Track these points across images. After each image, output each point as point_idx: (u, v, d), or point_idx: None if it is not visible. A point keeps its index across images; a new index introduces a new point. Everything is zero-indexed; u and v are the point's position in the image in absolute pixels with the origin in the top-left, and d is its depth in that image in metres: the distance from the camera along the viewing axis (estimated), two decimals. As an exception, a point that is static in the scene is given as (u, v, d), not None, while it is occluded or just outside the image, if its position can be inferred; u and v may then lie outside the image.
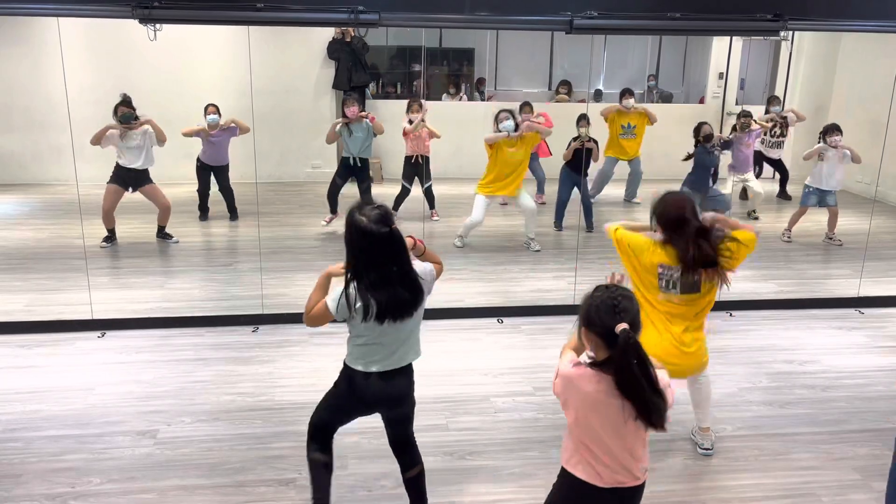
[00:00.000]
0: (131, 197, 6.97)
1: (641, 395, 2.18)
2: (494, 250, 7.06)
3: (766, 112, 8.94)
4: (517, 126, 6.76)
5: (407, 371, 2.91)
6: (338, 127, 7.23)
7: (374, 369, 2.79)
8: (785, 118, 8.90)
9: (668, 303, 3.35)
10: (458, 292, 5.82)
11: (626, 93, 8.74)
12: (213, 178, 7.81)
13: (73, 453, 3.61)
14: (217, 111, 7.52)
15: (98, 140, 6.52)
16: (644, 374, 2.18)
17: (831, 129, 7.24)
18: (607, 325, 2.20)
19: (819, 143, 7.37)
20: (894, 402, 4.27)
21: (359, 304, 2.63)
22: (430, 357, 4.73)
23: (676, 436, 3.83)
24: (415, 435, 3.09)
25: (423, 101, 7.89)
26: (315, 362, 4.62)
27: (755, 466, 3.61)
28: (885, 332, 5.32)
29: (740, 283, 6.03)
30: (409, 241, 2.80)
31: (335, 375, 4.36)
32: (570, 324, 4.43)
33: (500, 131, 6.71)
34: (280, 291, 5.73)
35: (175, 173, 9.12)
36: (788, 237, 7.53)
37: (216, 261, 6.80)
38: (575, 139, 7.49)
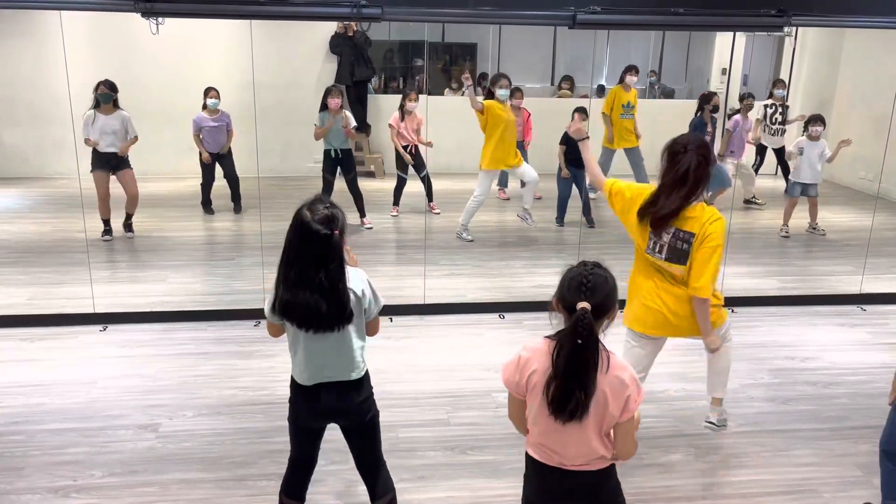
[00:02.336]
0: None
1: (564, 376, 2.12)
2: (496, 246, 7.06)
3: (770, 96, 8.86)
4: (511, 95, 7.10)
5: (345, 387, 2.64)
6: (319, 122, 7.25)
7: (306, 382, 2.61)
8: (786, 106, 8.83)
9: (655, 262, 3.24)
10: (460, 287, 5.83)
11: (630, 69, 8.56)
12: (217, 170, 7.84)
13: (75, 446, 3.62)
14: (218, 95, 7.56)
15: (87, 140, 6.61)
16: (579, 359, 2.11)
17: (814, 119, 7.31)
18: (571, 301, 2.17)
19: (802, 135, 7.44)
20: (896, 398, 4.27)
21: (276, 302, 2.51)
22: (432, 352, 4.75)
23: (677, 432, 3.83)
24: (384, 457, 2.86)
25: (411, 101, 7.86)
26: (317, 357, 4.62)
27: (756, 462, 3.61)
28: (888, 328, 5.32)
29: (743, 279, 6.04)
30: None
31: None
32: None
33: (495, 96, 6.98)
34: (282, 286, 5.72)
35: (178, 168, 9.14)
36: (786, 232, 7.54)
37: (218, 255, 6.81)
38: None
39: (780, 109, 8.79)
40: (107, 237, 6.81)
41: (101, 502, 3.22)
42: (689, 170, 3.07)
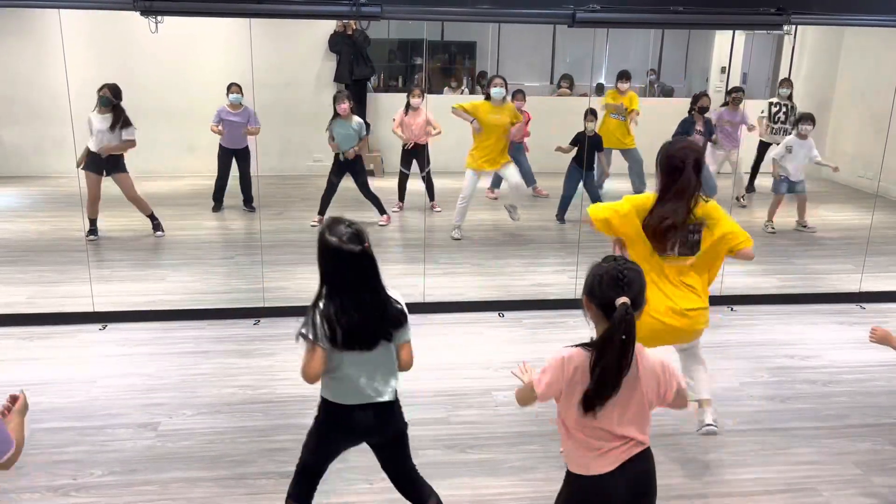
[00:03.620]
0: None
1: (605, 374, 2.15)
2: (495, 244, 7.06)
3: (776, 94, 8.86)
4: (504, 98, 6.98)
5: (385, 407, 2.64)
6: (327, 129, 7.27)
7: (350, 402, 2.59)
8: (793, 106, 8.81)
9: (665, 261, 3.30)
10: (460, 286, 5.83)
11: (621, 76, 8.64)
12: (234, 166, 7.84)
13: (74, 445, 3.62)
14: (240, 90, 7.55)
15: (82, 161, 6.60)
16: (620, 355, 2.14)
17: (804, 118, 7.35)
18: (608, 297, 2.17)
19: (791, 133, 7.49)
20: (895, 397, 4.27)
21: (325, 328, 2.47)
22: (432, 350, 4.75)
23: (676, 430, 3.83)
24: (411, 448, 2.85)
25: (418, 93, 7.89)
26: (316, 355, 4.62)
27: (756, 461, 3.61)
28: (887, 327, 5.28)
29: (742, 277, 6.04)
30: None
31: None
32: (571, 318, 4.44)
33: (490, 96, 6.92)
34: (281, 285, 5.73)
35: (178, 166, 9.15)
36: (772, 229, 7.58)
37: (217, 254, 6.80)
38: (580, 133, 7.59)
39: (783, 108, 8.77)
40: (91, 237, 6.74)
41: (100, 501, 3.22)
42: (689, 185, 3.20)
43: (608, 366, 2.15)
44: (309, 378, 2.54)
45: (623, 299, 2.14)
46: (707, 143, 7.78)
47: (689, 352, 3.59)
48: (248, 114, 7.64)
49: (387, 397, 2.62)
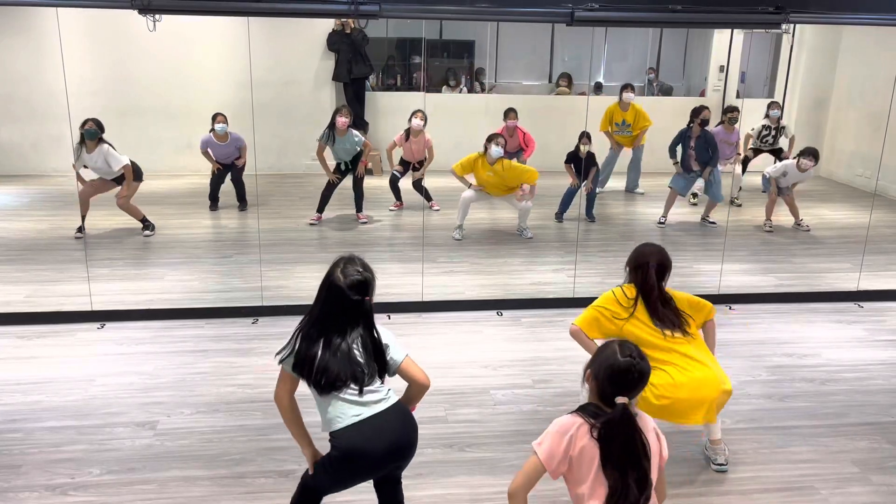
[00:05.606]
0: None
1: (624, 468, 2.11)
2: (494, 243, 7.06)
3: (766, 116, 8.87)
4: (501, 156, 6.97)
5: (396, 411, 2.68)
6: (323, 140, 7.39)
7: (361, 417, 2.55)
8: (782, 127, 8.82)
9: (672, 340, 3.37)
10: (459, 285, 5.83)
11: (625, 87, 8.72)
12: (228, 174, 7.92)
13: (73, 444, 3.62)
14: (225, 120, 7.58)
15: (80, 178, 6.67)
16: (629, 452, 2.12)
17: (807, 153, 7.29)
18: (611, 393, 2.15)
19: (791, 159, 7.51)
20: (893, 395, 4.28)
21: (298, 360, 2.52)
22: (431, 349, 4.75)
23: (674, 429, 3.83)
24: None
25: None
26: (315, 354, 4.62)
27: (754, 459, 3.61)
28: (885, 325, 5.33)
29: (741, 276, 6.05)
30: None
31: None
32: (570, 317, 4.42)
33: (491, 153, 6.90)
34: (280, 283, 5.73)
35: (176, 165, 9.13)
36: (770, 227, 7.60)
37: (216, 252, 6.80)
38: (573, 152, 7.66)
39: (772, 132, 8.77)
40: (78, 234, 6.76)
41: (99, 500, 3.22)
42: (647, 282, 3.38)
43: (621, 460, 2.12)
44: (281, 394, 2.63)
45: (622, 400, 2.11)
46: (695, 160, 7.69)
47: None
48: (235, 140, 7.66)
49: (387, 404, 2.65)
